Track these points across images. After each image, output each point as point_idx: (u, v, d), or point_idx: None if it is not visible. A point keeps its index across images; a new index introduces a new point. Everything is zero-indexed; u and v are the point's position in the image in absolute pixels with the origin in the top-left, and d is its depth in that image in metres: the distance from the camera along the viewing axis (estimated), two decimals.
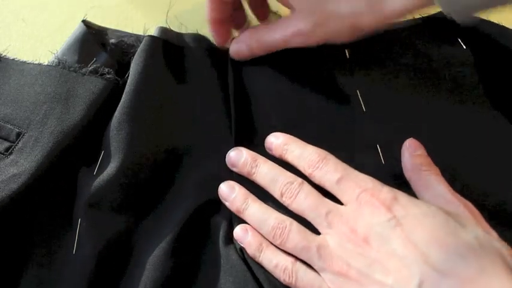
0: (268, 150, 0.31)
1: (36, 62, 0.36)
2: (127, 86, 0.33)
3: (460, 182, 0.29)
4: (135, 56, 0.35)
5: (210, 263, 0.29)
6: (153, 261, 0.28)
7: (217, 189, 0.31)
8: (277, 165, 0.30)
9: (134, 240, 0.30)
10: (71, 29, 0.38)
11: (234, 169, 0.31)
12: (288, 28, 0.31)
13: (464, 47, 0.36)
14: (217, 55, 0.36)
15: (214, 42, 0.36)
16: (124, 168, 0.30)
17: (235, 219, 0.30)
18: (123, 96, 0.33)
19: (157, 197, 0.31)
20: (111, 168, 0.30)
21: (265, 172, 0.29)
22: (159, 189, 0.32)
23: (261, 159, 0.30)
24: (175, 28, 0.39)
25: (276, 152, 0.30)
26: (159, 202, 0.31)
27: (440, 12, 0.40)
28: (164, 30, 0.37)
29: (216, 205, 0.31)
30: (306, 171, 0.28)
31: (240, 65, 0.35)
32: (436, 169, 0.28)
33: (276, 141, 0.30)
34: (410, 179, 0.29)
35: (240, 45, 0.34)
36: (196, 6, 0.43)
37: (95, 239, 0.29)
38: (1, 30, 0.41)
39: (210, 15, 0.34)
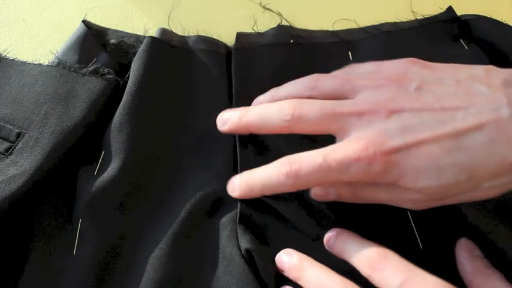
0: (327, 247, 0.28)
1: (37, 62, 0.36)
2: (128, 87, 0.33)
3: None
4: (135, 57, 0.35)
5: (211, 264, 0.29)
6: (153, 261, 0.28)
7: (218, 189, 0.31)
8: (324, 268, 0.27)
9: (135, 240, 0.30)
10: (71, 29, 0.38)
11: (284, 273, 0.28)
12: (399, 196, 0.26)
13: (466, 47, 0.36)
14: (218, 56, 0.36)
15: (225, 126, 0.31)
16: (125, 169, 0.30)
17: (239, 219, 0.30)
18: (124, 96, 0.33)
19: (158, 198, 0.31)
20: (112, 168, 0.30)
21: (311, 276, 0.27)
22: (160, 190, 0.31)
23: (307, 262, 0.27)
24: (176, 30, 0.39)
25: (336, 249, 0.28)
26: (160, 202, 0.31)
27: (441, 14, 0.40)
28: (165, 32, 0.37)
29: (217, 205, 0.31)
30: (365, 272, 0.26)
31: (243, 66, 0.35)
32: (499, 272, 0.26)
33: (334, 238, 0.28)
34: (471, 283, 0.26)
35: (329, 191, 0.29)
36: (197, 8, 0.43)
37: (95, 239, 0.29)
38: (1, 30, 0.41)
39: None
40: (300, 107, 0.27)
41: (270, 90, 0.31)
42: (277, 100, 0.30)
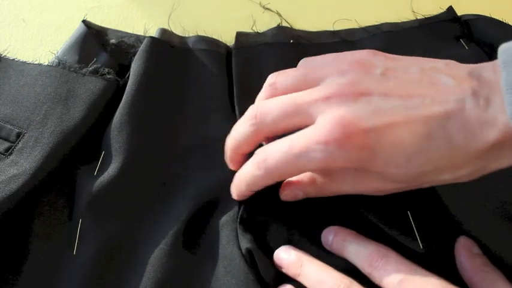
0: (325, 246, 0.28)
1: (37, 62, 0.36)
2: (128, 87, 0.33)
3: (461, 183, 0.29)
4: (136, 57, 0.35)
5: (211, 264, 0.29)
6: (153, 261, 0.28)
7: (218, 189, 0.31)
8: (323, 265, 0.27)
9: (135, 241, 0.30)
10: (71, 29, 0.38)
11: (283, 270, 0.28)
12: (362, 185, 0.25)
13: (467, 47, 0.36)
14: (218, 56, 0.36)
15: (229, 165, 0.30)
16: (125, 169, 0.30)
17: (239, 219, 0.30)
18: (124, 96, 0.33)
19: (158, 198, 0.31)
20: (112, 168, 0.30)
21: (310, 273, 0.26)
22: (160, 190, 0.31)
23: (306, 259, 0.27)
24: (176, 30, 0.39)
25: (335, 248, 0.28)
26: (160, 203, 0.31)
27: (442, 13, 0.40)
28: (165, 32, 0.37)
29: (218, 205, 0.31)
30: (365, 270, 0.25)
31: (244, 65, 0.35)
32: (498, 270, 0.26)
33: (333, 237, 0.28)
34: (470, 280, 0.26)
35: (296, 192, 0.28)
36: (197, 8, 0.43)
37: (95, 239, 0.29)
38: (1, 30, 0.41)
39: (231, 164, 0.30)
40: (261, 107, 0.26)
41: None
42: None
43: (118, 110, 0.32)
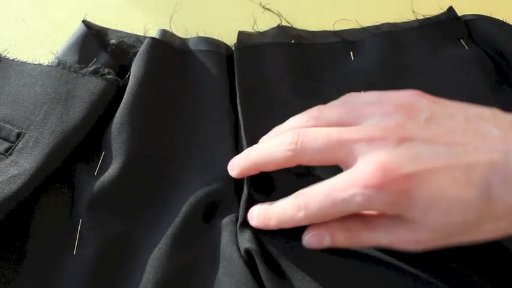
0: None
1: (37, 63, 0.36)
2: (128, 87, 0.33)
3: None
4: (136, 57, 0.35)
5: (210, 264, 0.29)
6: (153, 262, 0.28)
7: (218, 190, 0.31)
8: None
9: (135, 241, 0.30)
10: (71, 29, 0.38)
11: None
12: (401, 236, 0.24)
13: (467, 47, 0.36)
14: (219, 57, 0.36)
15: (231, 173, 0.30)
16: (125, 169, 0.30)
17: (239, 220, 0.30)
18: (125, 97, 0.33)
19: (158, 198, 0.31)
20: (113, 169, 0.30)
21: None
22: (160, 190, 0.31)
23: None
24: (176, 30, 0.39)
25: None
26: (160, 203, 0.31)
27: (442, 14, 0.40)
28: (165, 33, 0.37)
29: (218, 206, 0.31)
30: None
31: (246, 65, 0.35)
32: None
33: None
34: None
35: (322, 238, 0.26)
36: (197, 8, 0.43)
37: (95, 239, 0.29)
38: (1, 30, 0.41)
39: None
40: (304, 135, 0.25)
41: (274, 128, 0.30)
42: None
43: (118, 110, 0.32)
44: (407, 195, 0.22)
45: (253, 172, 0.29)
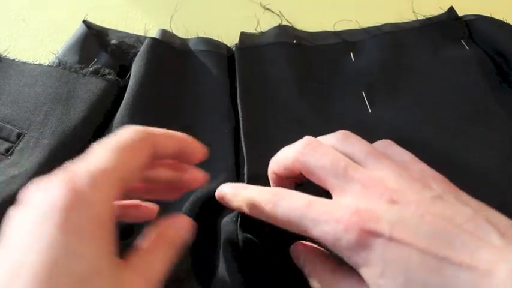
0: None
1: (37, 63, 0.36)
2: (129, 87, 0.33)
3: (462, 182, 0.29)
4: (136, 57, 0.35)
5: (210, 264, 0.29)
6: None
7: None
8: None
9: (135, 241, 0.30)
10: (71, 30, 0.38)
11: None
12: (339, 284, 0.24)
13: (467, 47, 0.36)
14: (219, 57, 0.36)
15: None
16: None
17: (240, 219, 0.30)
18: (125, 97, 0.33)
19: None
20: None
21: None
22: None
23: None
24: (177, 30, 0.39)
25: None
26: (160, 203, 0.31)
27: (442, 14, 0.40)
28: (165, 33, 0.37)
29: (218, 206, 0.31)
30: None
31: (247, 65, 0.35)
32: None
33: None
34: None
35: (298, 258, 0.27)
36: (197, 8, 0.43)
37: None
38: (1, 30, 0.41)
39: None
40: (319, 143, 0.25)
41: None
42: None
43: (119, 110, 0.32)
44: (367, 250, 0.21)
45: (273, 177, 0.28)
